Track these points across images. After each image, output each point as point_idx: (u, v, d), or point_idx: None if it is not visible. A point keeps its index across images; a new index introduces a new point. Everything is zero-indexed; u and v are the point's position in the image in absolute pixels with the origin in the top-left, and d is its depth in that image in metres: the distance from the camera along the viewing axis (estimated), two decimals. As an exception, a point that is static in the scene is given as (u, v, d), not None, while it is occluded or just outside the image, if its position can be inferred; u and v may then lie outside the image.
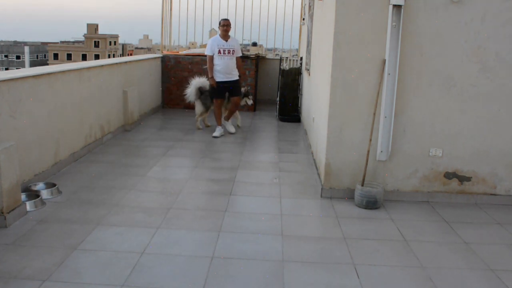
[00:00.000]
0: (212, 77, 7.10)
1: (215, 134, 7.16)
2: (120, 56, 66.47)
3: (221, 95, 7.27)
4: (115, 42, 75.89)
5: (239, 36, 12.36)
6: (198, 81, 7.55)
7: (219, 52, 7.04)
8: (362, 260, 3.37)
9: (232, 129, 7.47)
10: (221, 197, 4.61)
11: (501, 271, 3.29)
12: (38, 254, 3.27)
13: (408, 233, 3.87)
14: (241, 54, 7.37)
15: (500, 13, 4.29)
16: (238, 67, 7.37)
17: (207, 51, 7.15)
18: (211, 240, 3.61)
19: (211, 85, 7.21)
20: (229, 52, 7.08)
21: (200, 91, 7.49)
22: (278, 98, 9.17)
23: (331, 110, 4.50)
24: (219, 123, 7.32)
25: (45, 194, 4.36)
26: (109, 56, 68.56)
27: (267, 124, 8.54)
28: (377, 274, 3.19)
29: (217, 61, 7.07)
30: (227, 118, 7.54)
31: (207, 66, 7.14)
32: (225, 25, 7.09)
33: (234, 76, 7.25)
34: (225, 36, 7.12)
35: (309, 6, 7.74)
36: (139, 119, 7.99)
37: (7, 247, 3.36)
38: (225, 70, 7.09)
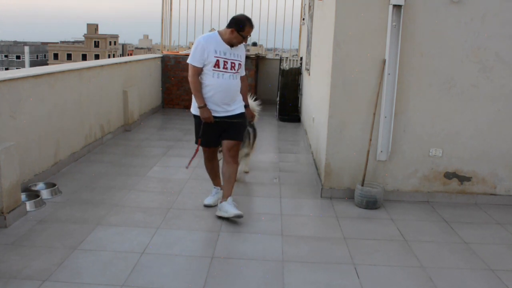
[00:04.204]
0: (205, 106, 3.95)
1: (207, 201, 4.34)
2: (120, 56, 66.50)
3: (211, 139, 4.14)
4: (115, 42, 75.91)
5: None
6: None
7: (217, 64, 3.86)
8: (362, 260, 3.37)
9: (237, 211, 3.95)
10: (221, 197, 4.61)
11: (501, 271, 3.29)
12: (38, 254, 3.26)
13: (408, 233, 3.87)
14: (245, 73, 4.22)
15: (500, 13, 4.29)
16: (244, 93, 4.21)
17: (192, 59, 3.91)
18: (211, 240, 3.61)
19: (202, 120, 4.01)
20: (232, 67, 3.92)
21: None
22: (278, 98, 9.18)
23: (331, 110, 4.50)
24: (215, 182, 4.44)
25: (45, 194, 4.36)
26: (109, 56, 68.58)
27: (267, 124, 8.53)
28: (377, 274, 3.19)
29: (209, 80, 3.90)
30: (226, 195, 4.10)
31: (190, 85, 3.97)
32: (247, 36, 3.98)
33: (237, 108, 4.08)
34: (233, 42, 3.93)
35: (309, 6, 7.74)
36: (139, 119, 7.99)
37: (7, 247, 3.36)
38: (223, 97, 3.95)
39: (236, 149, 4.14)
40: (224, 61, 3.90)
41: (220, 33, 3.97)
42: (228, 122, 4.04)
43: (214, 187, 4.45)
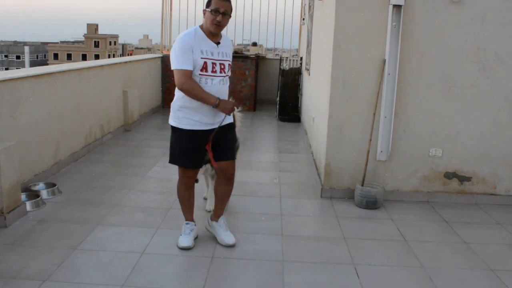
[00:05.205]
0: (219, 101, 3.21)
1: (183, 243, 3.43)
2: (120, 56, 66.51)
3: (195, 158, 3.41)
4: (115, 42, 75.93)
5: (239, 36, 12.35)
6: None
7: (205, 67, 3.17)
8: (362, 260, 3.37)
9: (229, 238, 3.52)
10: (221, 197, 4.60)
11: (501, 271, 3.29)
12: (38, 254, 3.26)
13: (408, 233, 3.87)
14: (230, 72, 3.42)
15: (500, 13, 4.29)
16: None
17: (179, 63, 3.14)
18: (211, 240, 3.61)
19: (229, 112, 3.31)
20: (222, 69, 3.26)
21: None
22: (278, 98, 9.18)
23: (331, 110, 4.50)
24: (188, 216, 3.57)
25: (45, 194, 4.36)
26: (109, 56, 68.59)
27: (267, 124, 8.54)
28: (377, 274, 3.19)
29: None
30: (217, 214, 3.61)
31: (190, 92, 3.18)
32: (221, 12, 3.11)
33: (226, 118, 3.38)
34: (215, 33, 3.21)
35: (309, 6, 7.74)
36: (139, 119, 7.99)
37: (7, 247, 3.36)
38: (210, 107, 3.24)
39: (232, 169, 3.47)
40: (212, 63, 3.17)
41: (201, 27, 3.21)
42: (214, 137, 3.30)
43: (187, 223, 3.53)
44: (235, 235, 3.63)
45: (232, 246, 3.48)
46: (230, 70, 3.37)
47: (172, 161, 3.40)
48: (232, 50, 3.42)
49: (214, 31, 3.16)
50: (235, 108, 3.40)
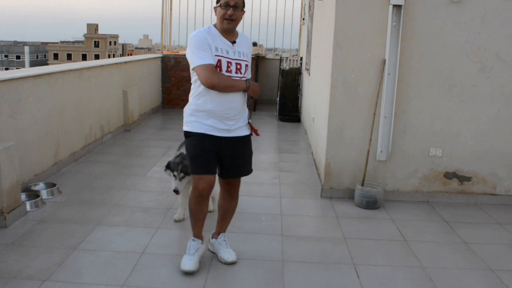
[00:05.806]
0: (248, 84, 3.05)
1: (186, 266, 3.09)
2: (120, 56, 66.51)
3: (207, 162, 3.03)
4: (115, 42, 75.95)
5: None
6: None
7: (218, 66, 2.94)
8: (362, 260, 3.37)
9: (229, 255, 3.26)
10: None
11: (501, 271, 3.28)
12: (38, 254, 3.26)
13: (408, 233, 3.87)
14: (250, 75, 3.18)
15: (500, 13, 4.29)
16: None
17: (200, 59, 2.89)
18: (211, 240, 3.61)
19: (255, 93, 3.15)
20: (238, 70, 3.02)
21: None
22: (278, 98, 9.18)
23: (331, 110, 4.50)
24: (196, 231, 3.21)
25: (45, 194, 4.36)
26: (109, 56, 68.61)
27: (267, 124, 8.54)
28: (377, 274, 3.19)
29: (207, 89, 2.93)
30: (218, 231, 3.38)
31: (220, 85, 2.91)
32: (231, 5, 2.90)
33: (241, 128, 3.10)
34: (229, 30, 2.99)
35: (309, 6, 7.74)
36: (139, 119, 7.99)
37: (7, 247, 3.36)
38: (226, 111, 2.98)
39: (235, 184, 3.24)
40: (227, 62, 2.94)
41: (215, 26, 3.02)
42: (229, 147, 3.04)
43: (194, 240, 3.19)
44: (235, 235, 3.64)
45: (231, 263, 3.22)
46: (249, 72, 3.12)
47: (191, 170, 3.10)
48: (251, 50, 3.16)
49: (226, 27, 2.95)
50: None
